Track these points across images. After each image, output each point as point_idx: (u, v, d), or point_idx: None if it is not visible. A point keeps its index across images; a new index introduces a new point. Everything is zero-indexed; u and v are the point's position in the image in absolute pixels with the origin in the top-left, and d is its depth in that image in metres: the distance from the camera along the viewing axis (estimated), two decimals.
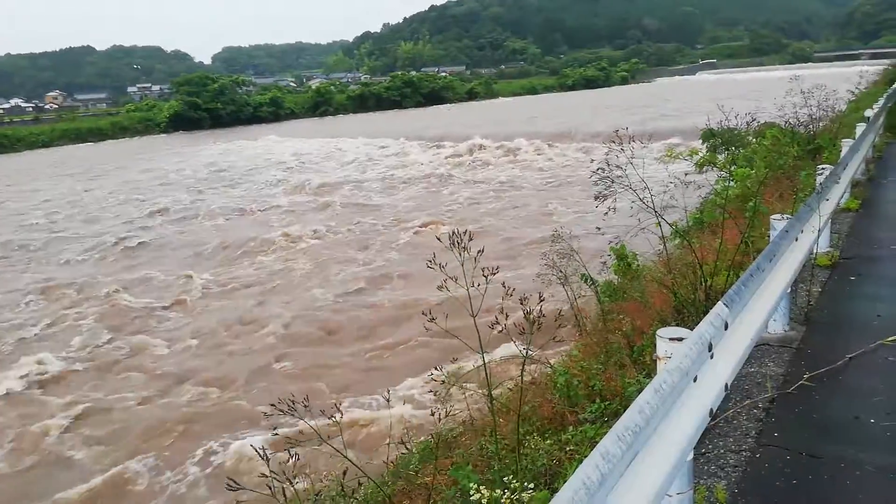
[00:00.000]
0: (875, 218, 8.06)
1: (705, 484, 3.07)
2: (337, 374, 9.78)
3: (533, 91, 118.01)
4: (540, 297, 3.11)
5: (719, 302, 3.04)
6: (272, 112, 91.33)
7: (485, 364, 3.00)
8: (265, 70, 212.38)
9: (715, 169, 10.77)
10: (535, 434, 3.94)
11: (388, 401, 2.87)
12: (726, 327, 2.98)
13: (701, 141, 15.29)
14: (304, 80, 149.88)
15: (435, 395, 3.36)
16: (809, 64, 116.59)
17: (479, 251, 3.08)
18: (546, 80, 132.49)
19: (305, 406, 2.68)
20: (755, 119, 8.29)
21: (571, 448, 3.73)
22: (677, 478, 2.65)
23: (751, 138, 13.03)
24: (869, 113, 12.31)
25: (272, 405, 2.60)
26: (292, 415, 2.65)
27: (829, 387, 3.95)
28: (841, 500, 2.93)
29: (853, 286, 5.71)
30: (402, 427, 6.16)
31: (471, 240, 2.97)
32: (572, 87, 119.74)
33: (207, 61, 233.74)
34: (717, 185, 10.22)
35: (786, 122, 12.32)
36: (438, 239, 3.18)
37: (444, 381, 2.97)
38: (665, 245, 5.90)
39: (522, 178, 26.72)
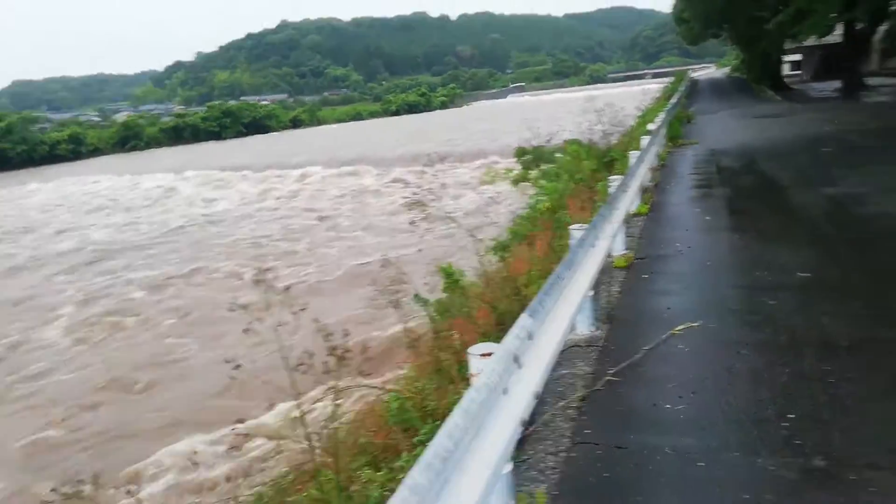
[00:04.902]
0: (661, 220, 9.03)
1: (526, 490, 3.19)
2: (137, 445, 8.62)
3: (358, 117, 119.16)
4: (345, 332, 3.07)
5: (523, 313, 3.19)
6: (72, 150, 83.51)
7: (300, 407, 2.90)
8: (61, 106, 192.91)
9: (529, 184, 11.47)
10: (367, 467, 3.87)
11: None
12: (531, 337, 3.13)
13: (515, 158, 16.36)
14: (110, 113, 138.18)
15: (238, 450, 3.17)
16: (604, 84, 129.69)
17: (285, 287, 2.97)
18: (370, 106, 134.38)
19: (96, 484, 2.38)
20: (555, 136, 9.01)
21: (403, 476, 3.70)
22: (495, 492, 2.72)
23: (557, 154, 14.15)
24: (651, 126, 13.88)
25: (53, 490, 2.27)
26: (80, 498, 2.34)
27: (631, 379, 4.31)
28: (645, 484, 3.19)
29: (647, 283, 6.33)
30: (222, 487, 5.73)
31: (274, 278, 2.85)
32: (396, 112, 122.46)
33: None
34: (531, 200, 10.87)
35: (584, 138, 13.54)
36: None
37: (246, 435, 2.81)
38: (481, 261, 6.16)
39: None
